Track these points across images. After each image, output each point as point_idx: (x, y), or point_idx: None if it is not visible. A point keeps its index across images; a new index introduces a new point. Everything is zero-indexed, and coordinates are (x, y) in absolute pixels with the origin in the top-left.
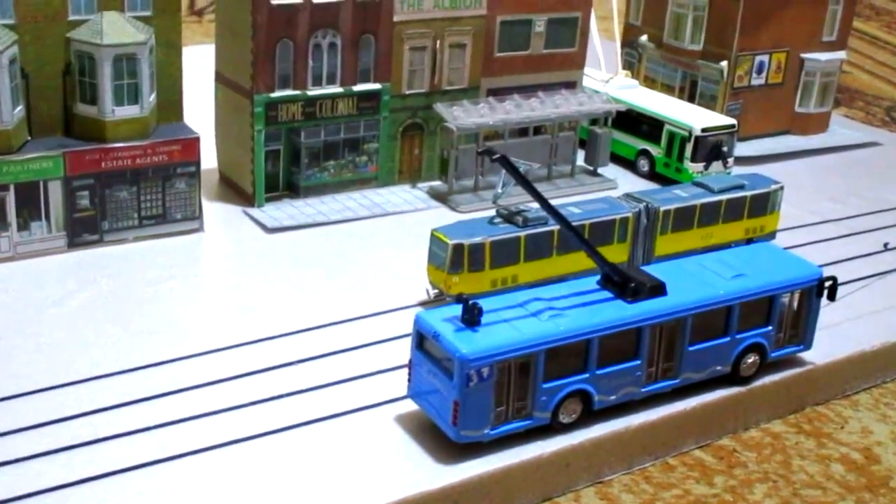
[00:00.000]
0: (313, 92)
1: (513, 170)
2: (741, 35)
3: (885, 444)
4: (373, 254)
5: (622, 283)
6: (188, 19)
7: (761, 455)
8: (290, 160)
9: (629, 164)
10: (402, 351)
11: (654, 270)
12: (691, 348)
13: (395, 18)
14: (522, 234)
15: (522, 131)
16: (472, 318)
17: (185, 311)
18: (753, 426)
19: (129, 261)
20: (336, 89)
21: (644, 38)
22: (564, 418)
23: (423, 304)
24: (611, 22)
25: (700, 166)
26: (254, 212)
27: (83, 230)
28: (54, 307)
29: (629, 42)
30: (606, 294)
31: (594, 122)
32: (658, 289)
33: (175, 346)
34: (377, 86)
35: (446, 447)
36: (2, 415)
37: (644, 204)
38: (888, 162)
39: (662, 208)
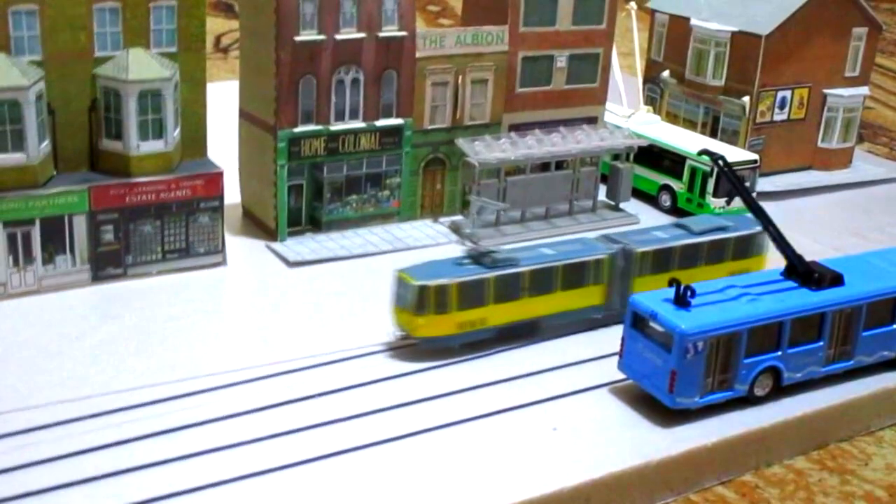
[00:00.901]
0: (336, 127)
1: (732, 177)
2: (763, 71)
3: None
4: None
5: (806, 274)
6: (213, 56)
7: (784, 491)
8: (312, 195)
9: (651, 200)
10: (424, 383)
11: (829, 264)
12: (865, 333)
13: (418, 55)
14: (490, 275)
15: (544, 166)
16: (684, 300)
17: (208, 345)
18: (776, 462)
19: (153, 295)
20: (358, 124)
21: (666, 73)
22: (759, 391)
23: (390, 347)
24: (633, 58)
25: (722, 201)
26: (276, 246)
27: (107, 264)
28: (77, 341)
29: (651, 78)
30: (791, 283)
31: (616, 157)
32: (838, 279)
33: (198, 380)
34: (399, 121)
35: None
36: (26, 447)
37: (621, 246)
38: None
39: (639, 250)
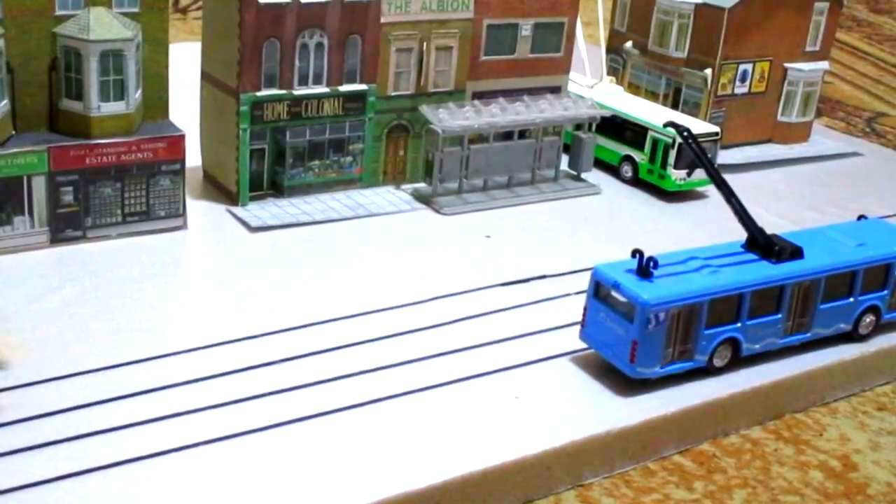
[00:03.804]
0: (299, 92)
1: (697, 150)
2: (725, 43)
3: (863, 451)
4: (356, 254)
5: (767, 247)
6: (172, 17)
7: (741, 461)
8: (274, 159)
9: (612, 170)
10: (384, 351)
11: (789, 237)
12: (822, 306)
13: (382, 20)
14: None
15: (507, 135)
16: (646, 270)
17: (168, 309)
18: (733, 432)
19: (112, 257)
20: (322, 89)
21: (629, 44)
22: (718, 362)
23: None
24: (596, 28)
25: (683, 173)
26: (237, 210)
27: (66, 226)
28: (36, 303)
29: (614, 48)
30: (752, 256)
31: (579, 127)
32: (797, 252)
33: (158, 344)
34: (363, 87)
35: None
36: None
37: None
38: (868, 172)
39: None
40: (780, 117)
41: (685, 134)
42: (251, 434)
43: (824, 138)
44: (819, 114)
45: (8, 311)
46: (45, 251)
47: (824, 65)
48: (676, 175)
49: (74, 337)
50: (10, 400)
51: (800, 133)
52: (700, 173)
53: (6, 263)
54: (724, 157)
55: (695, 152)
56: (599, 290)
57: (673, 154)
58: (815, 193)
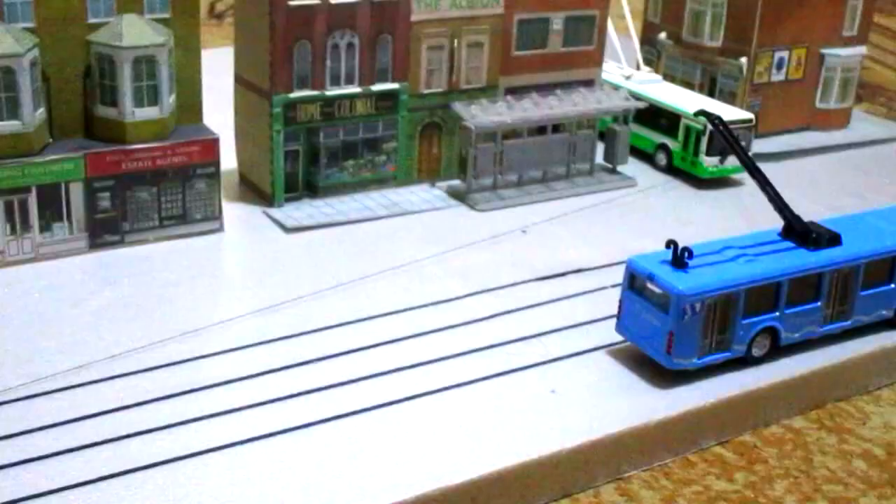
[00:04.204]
0: (331, 92)
1: (729, 137)
2: (760, 31)
3: None
4: (391, 253)
5: (804, 234)
6: (208, 23)
7: (782, 451)
8: (308, 160)
9: (648, 158)
10: (421, 348)
11: (827, 224)
12: (863, 293)
13: (413, 18)
14: None
15: (541, 130)
16: (681, 261)
17: (206, 311)
18: (774, 422)
19: (150, 261)
20: (354, 89)
21: (663, 35)
22: (756, 352)
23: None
24: (624, 19)
25: (715, 160)
26: (273, 212)
27: (104, 231)
28: (75, 308)
29: (648, 39)
30: (789, 244)
31: (614, 119)
32: (835, 239)
33: (195, 345)
34: (395, 85)
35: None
36: (24, 413)
37: None
38: None
39: None
40: (818, 104)
41: (717, 122)
42: (290, 433)
43: (864, 124)
44: (860, 99)
45: (48, 316)
46: (84, 257)
47: (862, 49)
48: (708, 162)
49: (114, 340)
50: (51, 403)
51: (839, 119)
52: (733, 160)
53: (46, 269)
54: (761, 145)
55: (727, 140)
56: (634, 282)
57: (704, 141)
58: (855, 179)
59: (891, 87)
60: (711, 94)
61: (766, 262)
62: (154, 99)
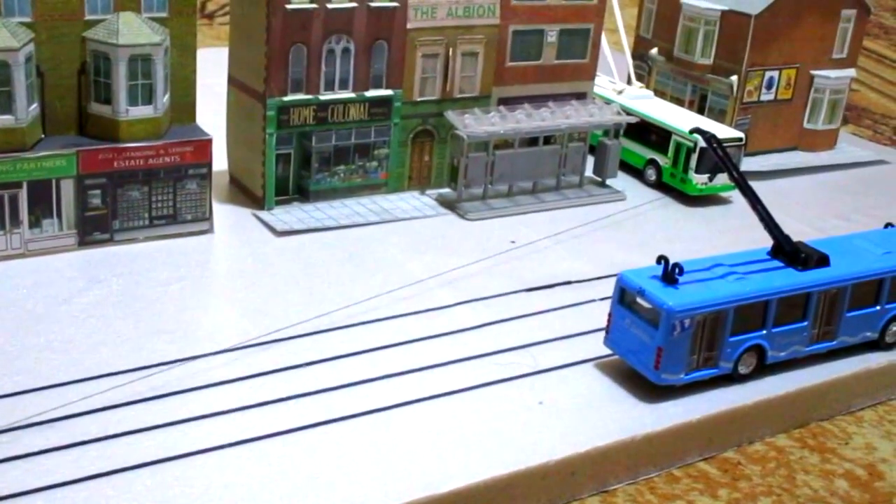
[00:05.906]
0: (325, 97)
1: (720, 151)
2: (752, 50)
3: (889, 461)
4: (381, 259)
5: (793, 254)
6: (199, 22)
7: (765, 468)
8: (300, 164)
9: (638, 174)
10: (408, 356)
11: (815, 244)
12: (849, 314)
13: (409, 26)
14: None
15: (532, 141)
16: (672, 277)
17: (194, 312)
18: (758, 440)
19: (139, 260)
20: (348, 94)
21: (654, 51)
22: (743, 369)
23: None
24: (617, 34)
25: (704, 177)
26: (263, 215)
27: (94, 229)
28: (64, 305)
29: (639, 55)
30: (777, 263)
31: (605, 133)
32: (823, 260)
33: (184, 346)
34: (389, 92)
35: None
36: (12, 410)
37: None
38: (895, 180)
39: None
40: (806, 124)
41: (711, 139)
42: (278, 436)
43: (851, 146)
44: (846, 121)
45: (36, 312)
46: (73, 254)
47: (851, 72)
48: (698, 179)
49: (102, 339)
50: (39, 400)
51: (826, 140)
52: (722, 178)
53: (35, 266)
54: (749, 164)
55: (720, 158)
56: (625, 297)
57: (695, 158)
58: (841, 201)
59: (876, 111)
60: (701, 111)
61: (756, 280)
62: (149, 98)
